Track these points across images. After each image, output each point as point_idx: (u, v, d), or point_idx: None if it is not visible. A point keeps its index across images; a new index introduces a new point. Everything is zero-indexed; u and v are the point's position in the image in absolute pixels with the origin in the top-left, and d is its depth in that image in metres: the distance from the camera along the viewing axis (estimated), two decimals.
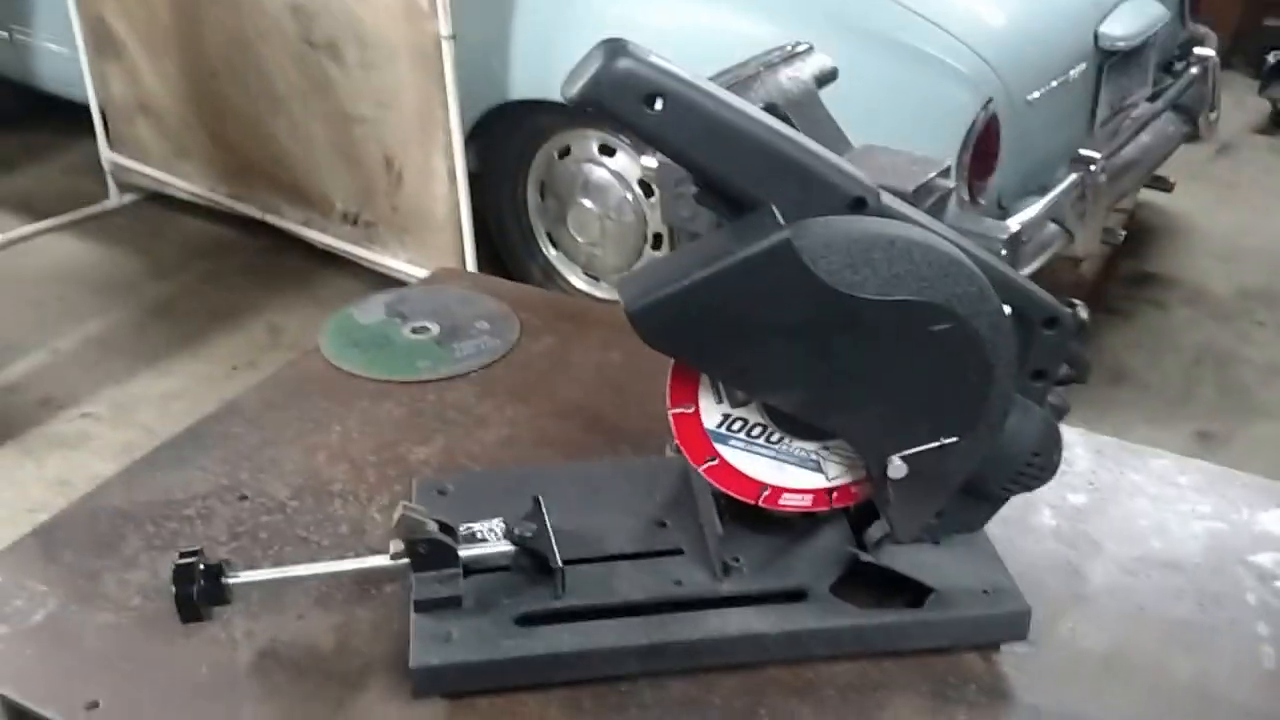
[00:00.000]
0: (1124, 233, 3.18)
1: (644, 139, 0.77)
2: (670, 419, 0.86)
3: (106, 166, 3.76)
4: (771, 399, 0.84)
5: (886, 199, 0.82)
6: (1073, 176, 2.73)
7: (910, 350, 0.80)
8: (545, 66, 2.89)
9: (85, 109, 3.70)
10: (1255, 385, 2.98)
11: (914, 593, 0.93)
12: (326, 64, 2.98)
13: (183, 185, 3.62)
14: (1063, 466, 0.90)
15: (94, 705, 0.88)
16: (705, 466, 0.88)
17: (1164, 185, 3.48)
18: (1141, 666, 0.93)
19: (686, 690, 0.89)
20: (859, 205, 0.80)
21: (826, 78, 1.02)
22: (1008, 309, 0.81)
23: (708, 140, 0.77)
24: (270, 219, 3.42)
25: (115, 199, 3.82)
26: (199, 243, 3.62)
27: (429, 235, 3.01)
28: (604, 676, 0.90)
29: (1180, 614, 0.98)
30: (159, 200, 3.78)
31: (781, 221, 0.76)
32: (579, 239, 3.14)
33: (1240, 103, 4.55)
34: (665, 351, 0.80)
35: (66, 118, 3.96)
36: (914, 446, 0.83)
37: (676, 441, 0.87)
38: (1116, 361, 3.06)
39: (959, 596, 0.92)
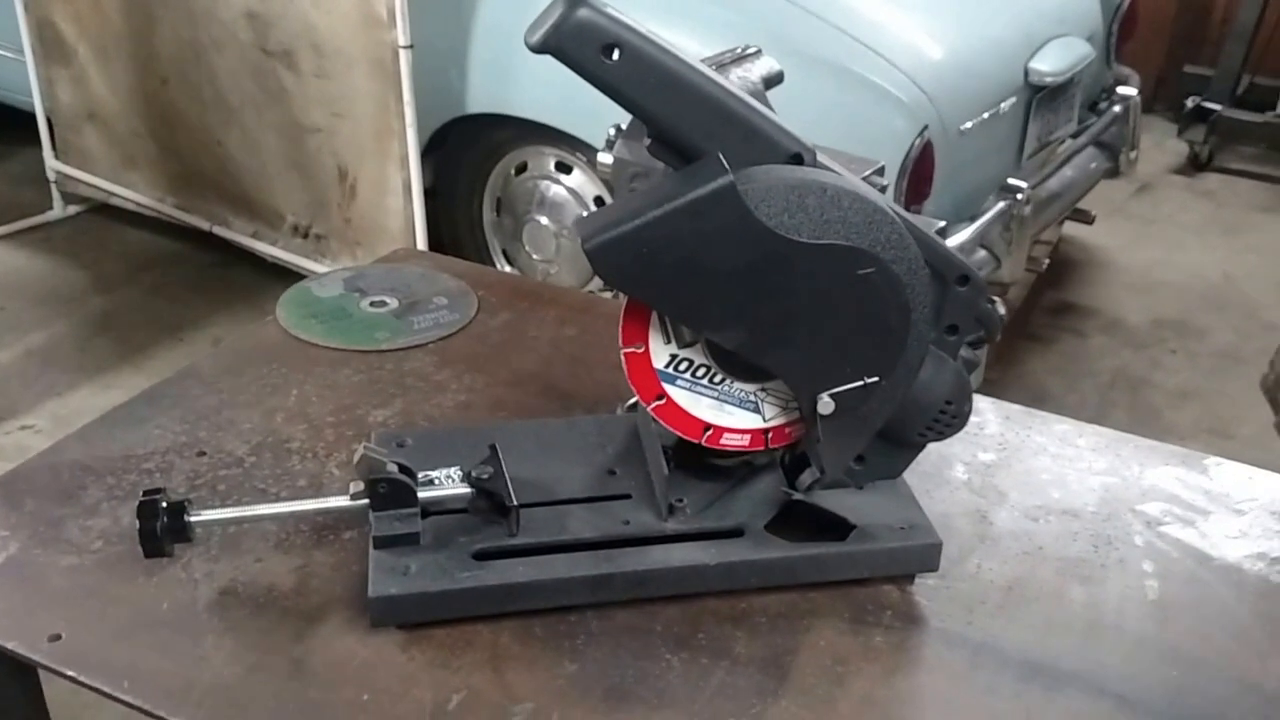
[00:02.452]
0: (1047, 262, 3.32)
1: (601, 88, 0.83)
2: (622, 358, 0.92)
3: (51, 176, 3.73)
4: (715, 336, 0.90)
5: (821, 158, 0.88)
6: (1001, 204, 2.85)
7: (839, 292, 0.86)
8: (503, 81, 2.94)
9: (29, 116, 3.68)
10: (1164, 408, 3.14)
11: (839, 532, 0.99)
12: (282, 73, 2.97)
13: (129, 196, 3.60)
14: (974, 430, 0.97)
15: (56, 638, 0.91)
16: (654, 405, 0.93)
17: (1085, 218, 3.64)
18: (1040, 597, 1.01)
19: (631, 619, 0.95)
20: (796, 161, 0.87)
21: (774, 80, 1.09)
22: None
23: (661, 92, 0.83)
24: (218, 231, 3.41)
25: (59, 210, 3.80)
26: (144, 255, 3.62)
27: (382, 249, 3.00)
28: (554, 607, 0.95)
29: (1075, 553, 1.06)
30: (104, 212, 3.77)
31: (727, 167, 0.82)
32: (534, 255, 3.18)
33: (1160, 145, 4.77)
34: (619, 287, 0.86)
35: (9, 125, 3.94)
36: (841, 385, 0.90)
37: (628, 380, 0.93)
38: (1037, 384, 3.20)
39: (878, 531, 0.99)
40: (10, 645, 0.91)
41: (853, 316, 0.87)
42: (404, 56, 2.71)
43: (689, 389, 0.93)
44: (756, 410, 0.95)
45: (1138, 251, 4.00)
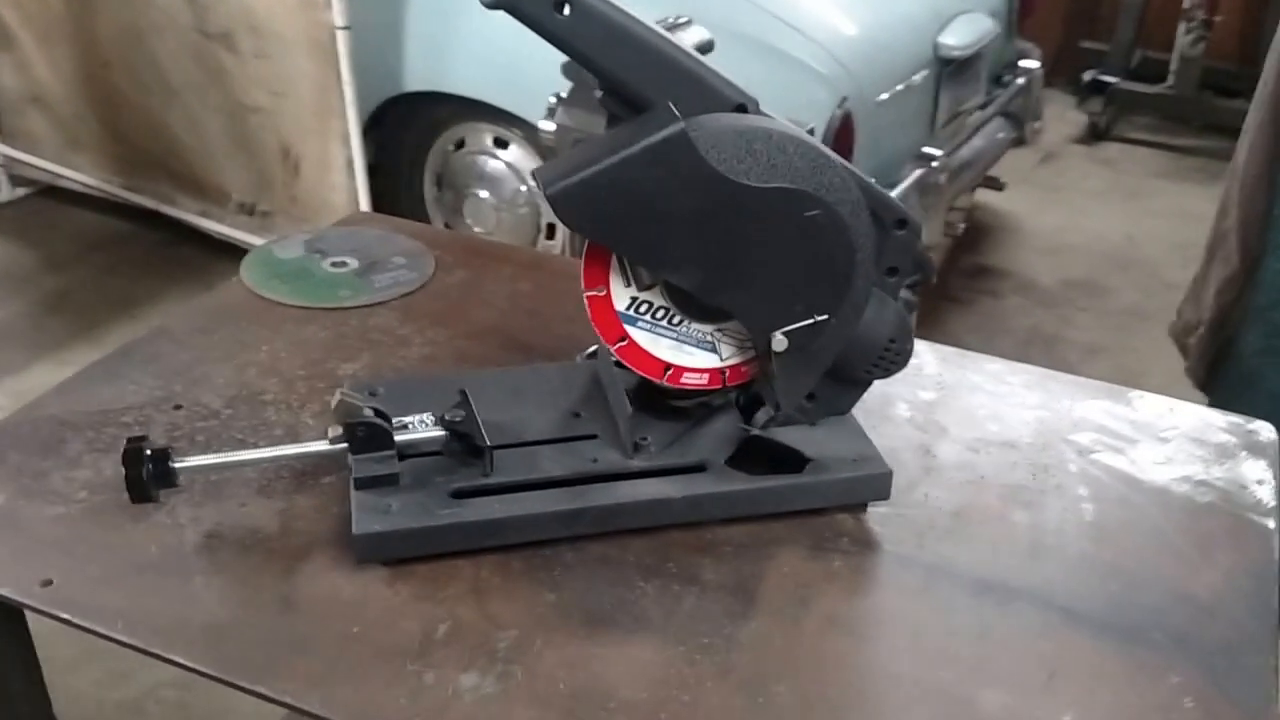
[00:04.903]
0: (963, 227, 3.47)
1: (553, 42, 0.88)
2: (585, 300, 0.96)
3: None
4: (672, 277, 0.94)
5: (764, 108, 0.93)
6: (917, 172, 2.98)
7: (787, 234, 0.91)
8: (440, 59, 2.99)
9: None
10: (1076, 363, 3.30)
11: (795, 466, 1.05)
12: (221, 54, 3.00)
13: (76, 177, 3.60)
14: (914, 370, 1.03)
15: (48, 583, 0.94)
16: (617, 346, 0.98)
17: (996, 185, 3.81)
18: (985, 521, 1.07)
19: (603, 551, 1.00)
20: (740, 110, 0.92)
21: (705, 48, 1.14)
22: None
23: (610, 45, 0.88)
24: (166, 210, 3.43)
25: (7, 192, 3.79)
26: (94, 236, 3.62)
27: (326, 225, 3.04)
28: (529, 542, 0.99)
29: (1016, 480, 1.13)
30: (52, 194, 3.76)
31: (678, 115, 0.87)
32: (475, 229, 3.22)
33: (1061, 116, 4.97)
34: (580, 231, 0.91)
35: None
36: (793, 323, 0.95)
37: (591, 322, 0.97)
38: (957, 343, 3.29)
39: (832, 463, 1.05)
40: (3, 591, 0.94)
41: (801, 257, 0.92)
42: (341, 37, 2.76)
43: (650, 330, 0.98)
44: (714, 350, 1.00)
45: (1045, 217, 4.19)
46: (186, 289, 3.32)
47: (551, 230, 3.09)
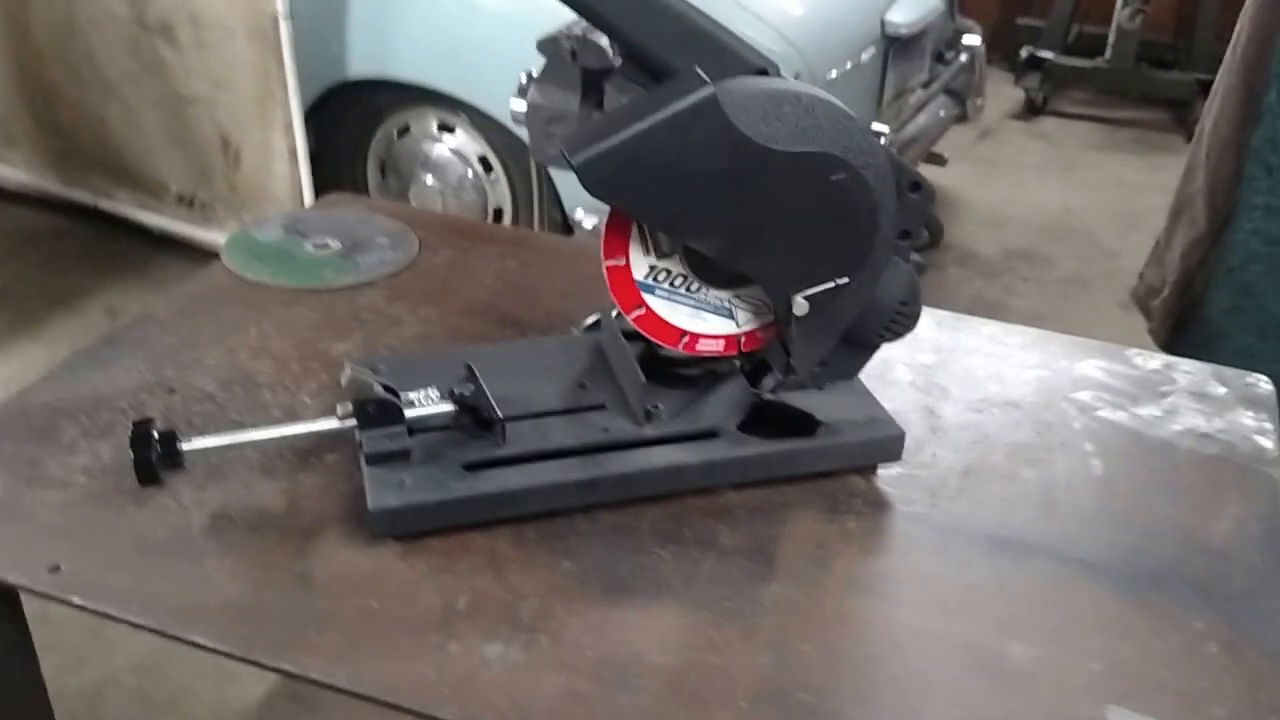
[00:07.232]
0: None
1: (578, 10, 0.88)
2: (604, 270, 0.96)
3: None
4: (696, 244, 0.94)
5: (783, 72, 0.93)
6: None
7: (812, 197, 0.91)
8: (382, 46, 2.96)
9: None
10: None
11: (806, 430, 1.05)
12: (160, 46, 2.96)
13: (9, 174, 3.54)
14: (910, 334, 1.03)
15: (55, 569, 0.92)
16: (634, 315, 0.98)
17: (939, 160, 3.87)
18: (994, 479, 1.09)
19: (618, 519, 1.00)
20: (762, 74, 0.92)
21: None
22: None
23: (635, 10, 0.88)
24: (103, 204, 3.37)
25: None
26: (30, 232, 3.54)
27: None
28: (541, 513, 0.99)
29: (1021, 439, 1.14)
30: None
31: (707, 79, 0.86)
32: None
33: (998, 93, 5.03)
34: (607, 200, 0.90)
35: None
36: (813, 286, 0.95)
37: (610, 292, 0.97)
38: None
39: (844, 426, 1.06)
40: (11, 578, 0.91)
41: (825, 220, 0.93)
42: (284, 25, 2.73)
43: (667, 298, 0.98)
44: (730, 316, 1.00)
45: (984, 191, 4.25)
46: (125, 282, 3.26)
47: (499, 216, 3.08)
